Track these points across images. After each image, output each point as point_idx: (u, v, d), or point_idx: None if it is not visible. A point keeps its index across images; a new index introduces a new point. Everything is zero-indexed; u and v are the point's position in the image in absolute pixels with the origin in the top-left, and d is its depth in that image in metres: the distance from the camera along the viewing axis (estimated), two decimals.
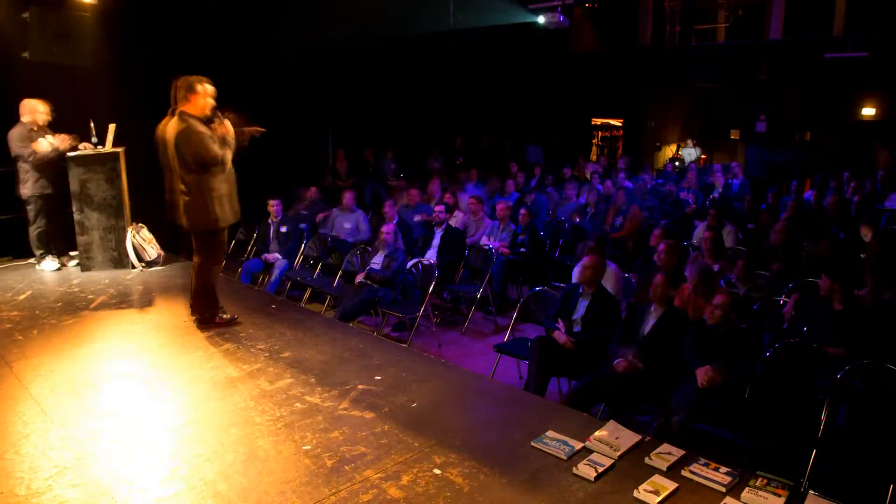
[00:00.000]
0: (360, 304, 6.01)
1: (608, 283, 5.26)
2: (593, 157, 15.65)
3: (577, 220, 8.27)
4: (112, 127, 5.67)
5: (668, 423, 3.63)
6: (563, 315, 4.66)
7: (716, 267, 5.37)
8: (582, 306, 4.61)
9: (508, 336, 5.23)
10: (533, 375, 4.33)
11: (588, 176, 11.21)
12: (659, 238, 5.94)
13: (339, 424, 3.04)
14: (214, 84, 4.31)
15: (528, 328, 5.75)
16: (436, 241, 7.07)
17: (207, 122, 4.18)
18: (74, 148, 5.61)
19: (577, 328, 4.56)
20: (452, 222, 7.55)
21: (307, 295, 6.82)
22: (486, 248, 6.93)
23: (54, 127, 5.72)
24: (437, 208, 7.22)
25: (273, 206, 7.29)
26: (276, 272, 6.96)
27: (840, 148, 12.41)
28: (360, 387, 3.48)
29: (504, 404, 3.41)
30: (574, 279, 5.31)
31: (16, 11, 6.22)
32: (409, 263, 6.40)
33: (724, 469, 2.64)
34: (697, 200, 9.21)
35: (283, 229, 7.25)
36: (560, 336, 4.45)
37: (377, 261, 6.30)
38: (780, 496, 2.47)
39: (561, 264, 7.68)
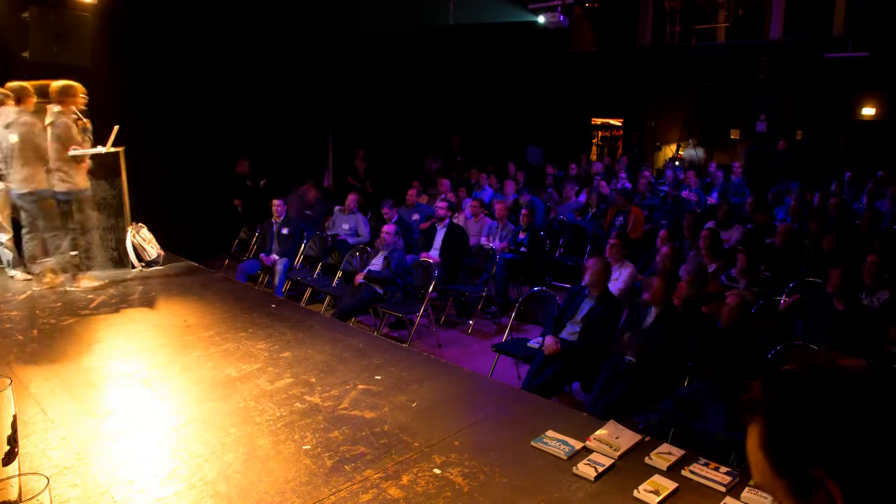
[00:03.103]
0: (359, 303, 6.01)
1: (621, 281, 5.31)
2: (593, 156, 15.66)
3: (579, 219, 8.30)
4: (116, 128, 5.69)
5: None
6: (565, 315, 4.67)
7: (714, 266, 5.38)
8: (585, 307, 4.62)
9: (507, 336, 5.24)
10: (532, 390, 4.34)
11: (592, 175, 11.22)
12: (664, 241, 5.95)
13: (339, 424, 3.04)
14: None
15: (530, 328, 5.76)
16: (438, 240, 7.07)
17: None
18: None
19: (577, 328, 4.57)
20: (455, 222, 7.55)
21: (307, 295, 6.82)
22: (488, 247, 6.94)
23: None
24: (440, 204, 7.22)
25: (276, 205, 7.30)
26: (279, 273, 6.97)
27: (844, 148, 12.40)
28: (360, 387, 3.47)
29: (504, 404, 3.40)
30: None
31: (16, 11, 6.22)
32: (410, 261, 6.41)
33: (724, 469, 2.63)
34: (700, 200, 9.22)
35: (285, 231, 7.25)
36: (546, 345, 4.43)
37: (377, 262, 6.30)
38: None
39: (561, 264, 7.69)
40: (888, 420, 0.73)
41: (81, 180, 5.14)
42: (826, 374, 0.79)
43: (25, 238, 5.26)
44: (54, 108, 4.97)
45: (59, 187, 5.04)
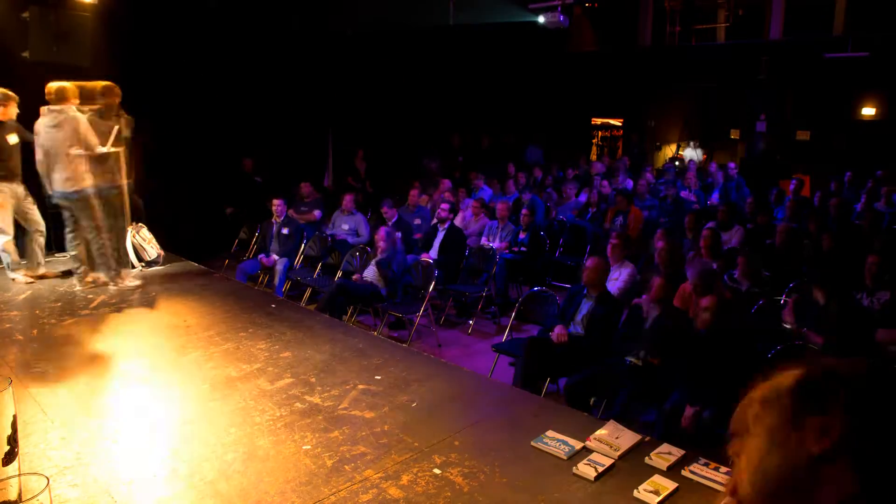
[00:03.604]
0: (359, 290, 6.02)
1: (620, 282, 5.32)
2: (593, 156, 15.67)
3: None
4: (116, 128, 5.67)
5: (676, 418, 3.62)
6: (566, 316, 4.67)
7: (714, 266, 5.38)
8: (585, 307, 4.62)
9: (507, 336, 5.24)
10: (520, 376, 4.34)
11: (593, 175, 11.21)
12: (660, 238, 5.97)
13: (339, 424, 3.04)
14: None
15: (530, 328, 5.75)
16: (438, 241, 7.07)
17: None
18: None
19: (578, 329, 4.57)
20: (454, 222, 7.55)
21: (307, 295, 6.82)
22: (488, 247, 6.94)
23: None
24: (443, 206, 7.22)
25: (277, 205, 7.30)
26: (279, 273, 6.96)
27: (846, 148, 12.41)
28: (360, 387, 3.47)
29: (504, 404, 3.40)
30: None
31: (16, 11, 6.22)
32: (410, 261, 6.41)
33: (724, 469, 2.63)
34: (700, 200, 9.23)
35: (285, 231, 7.25)
36: (555, 333, 4.44)
37: (370, 271, 6.27)
38: None
39: (561, 264, 7.69)
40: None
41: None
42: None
43: (68, 238, 5.34)
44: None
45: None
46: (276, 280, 6.96)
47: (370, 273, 6.19)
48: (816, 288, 4.25)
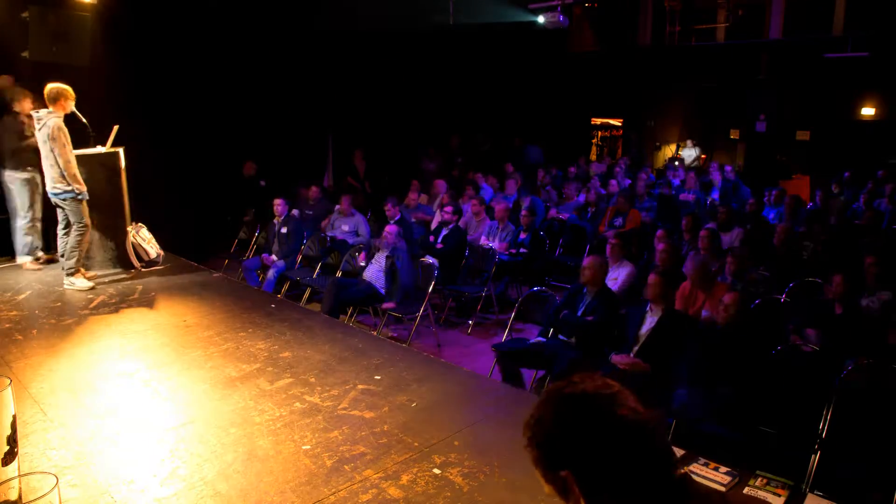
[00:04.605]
0: (357, 294, 6.03)
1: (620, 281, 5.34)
2: (593, 156, 15.67)
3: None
4: (115, 128, 5.69)
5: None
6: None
7: (714, 266, 5.38)
8: (584, 306, 4.62)
9: (506, 336, 5.24)
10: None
11: (591, 175, 11.22)
12: (661, 239, 5.97)
13: (338, 424, 3.04)
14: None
15: (530, 328, 5.75)
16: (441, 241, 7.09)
17: None
18: None
19: None
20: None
21: (307, 295, 6.82)
22: (487, 247, 6.94)
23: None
24: (447, 209, 7.23)
25: (278, 205, 7.30)
26: (271, 274, 6.97)
27: (846, 148, 12.41)
28: (359, 387, 3.47)
29: (504, 404, 3.40)
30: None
31: (16, 11, 6.22)
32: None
33: (723, 469, 2.64)
34: (702, 201, 9.22)
35: (284, 230, 7.25)
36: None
37: (378, 259, 6.30)
38: (780, 496, 2.47)
39: (561, 264, 7.69)
40: (598, 432, 1.15)
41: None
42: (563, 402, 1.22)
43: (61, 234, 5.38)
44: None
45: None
46: (268, 280, 6.97)
47: (375, 268, 6.21)
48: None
